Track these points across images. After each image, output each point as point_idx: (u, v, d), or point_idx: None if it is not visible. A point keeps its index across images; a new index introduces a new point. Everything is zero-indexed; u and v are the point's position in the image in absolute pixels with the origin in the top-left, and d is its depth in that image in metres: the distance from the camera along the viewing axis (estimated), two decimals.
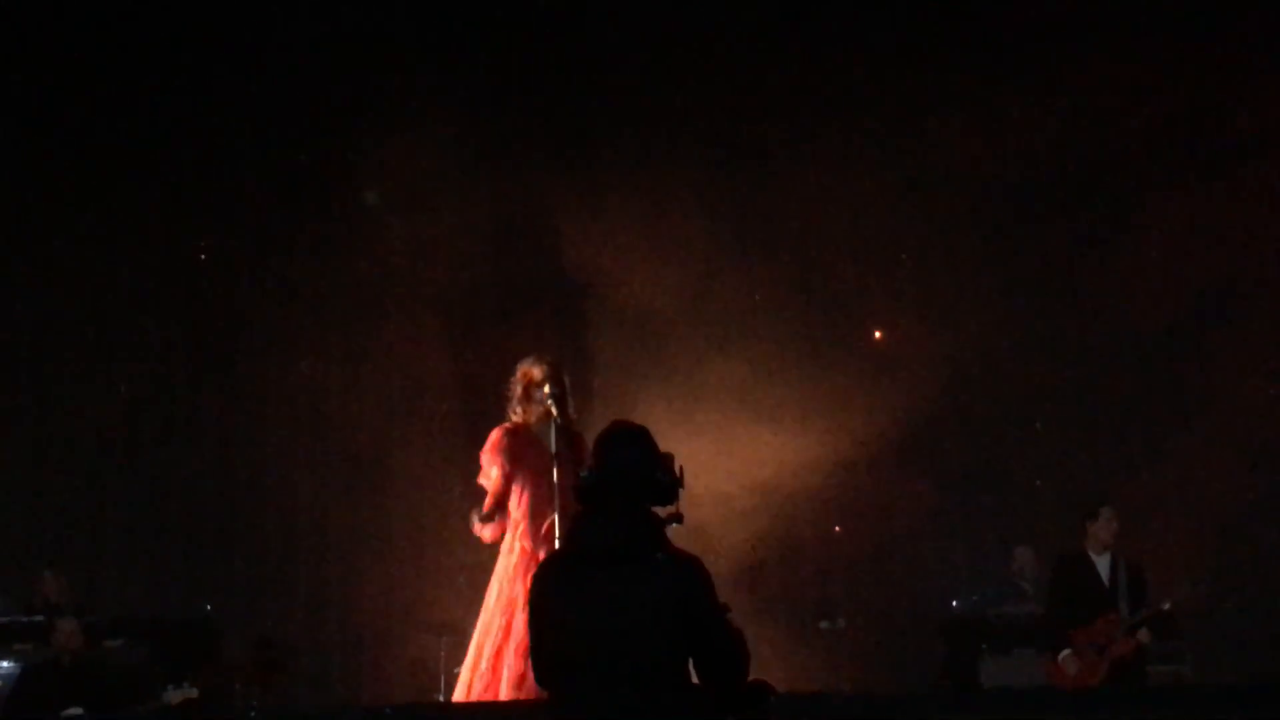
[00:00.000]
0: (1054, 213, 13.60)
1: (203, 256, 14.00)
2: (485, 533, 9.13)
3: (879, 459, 13.25)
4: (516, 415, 9.08)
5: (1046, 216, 13.61)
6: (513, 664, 8.77)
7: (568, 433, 8.88)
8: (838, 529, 13.51)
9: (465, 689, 8.96)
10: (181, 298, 13.87)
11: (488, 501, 9.08)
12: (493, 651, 8.85)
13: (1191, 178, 13.09)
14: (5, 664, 11.38)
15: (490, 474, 9.05)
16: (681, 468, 5.96)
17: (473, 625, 9.61)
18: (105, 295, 13.79)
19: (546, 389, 8.93)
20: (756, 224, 13.65)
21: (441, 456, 12.81)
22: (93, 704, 10.36)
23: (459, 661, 11.50)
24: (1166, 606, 10.49)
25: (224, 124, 13.63)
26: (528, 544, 8.91)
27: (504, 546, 9.06)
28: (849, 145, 13.33)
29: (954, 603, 12.62)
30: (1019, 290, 13.56)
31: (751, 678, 5.88)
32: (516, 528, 8.98)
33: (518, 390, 9.08)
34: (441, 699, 11.53)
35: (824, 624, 12.81)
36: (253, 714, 10.30)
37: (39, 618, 11.70)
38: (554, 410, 8.88)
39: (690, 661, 5.77)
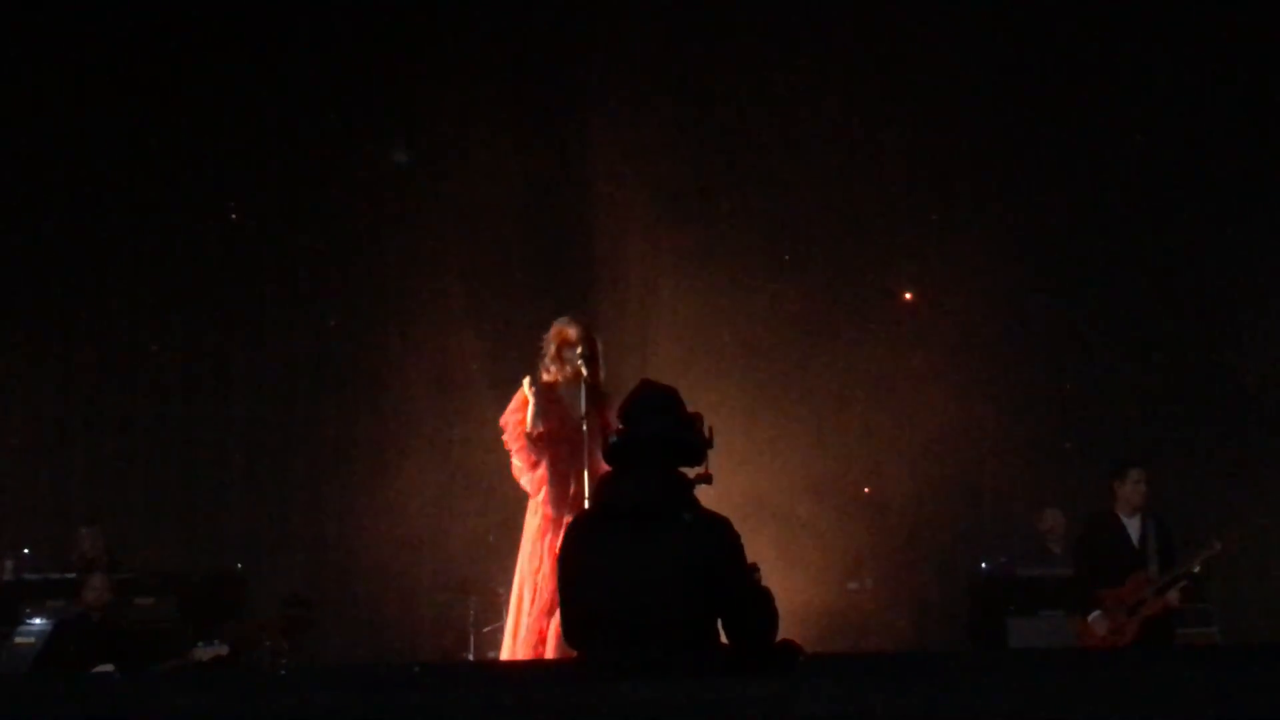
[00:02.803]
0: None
1: (233, 216, 14.00)
2: (527, 482, 9.08)
3: (908, 421, 13.23)
4: (548, 374, 9.05)
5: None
6: (533, 624, 8.78)
7: (598, 394, 8.85)
8: (866, 490, 13.49)
9: (505, 650, 8.98)
10: (211, 256, 13.87)
11: (515, 454, 9.04)
12: (519, 611, 8.87)
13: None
14: (38, 621, 11.43)
15: (513, 431, 9.02)
16: (711, 428, 5.96)
17: (501, 584, 9.62)
18: (133, 254, 13.80)
19: (579, 349, 8.89)
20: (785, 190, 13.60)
21: (469, 416, 12.82)
22: (123, 660, 10.41)
23: (487, 621, 11.57)
24: (1197, 568, 10.46)
25: (253, 87, 13.62)
26: (550, 509, 8.90)
27: (530, 507, 9.05)
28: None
29: (982, 564, 12.60)
30: (1048, 249, 13.49)
31: (779, 638, 5.89)
32: (540, 491, 8.96)
33: (550, 349, 9.04)
34: (470, 657, 11.56)
35: (852, 584, 12.81)
36: (282, 671, 10.34)
37: (72, 575, 11.74)
38: (585, 371, 8.85)
39: (719, 621, 5.79)
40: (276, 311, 13.97)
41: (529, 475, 8.99)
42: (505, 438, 9.06)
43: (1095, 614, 10.39)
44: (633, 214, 13.19)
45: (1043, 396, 13.69)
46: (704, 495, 5.92)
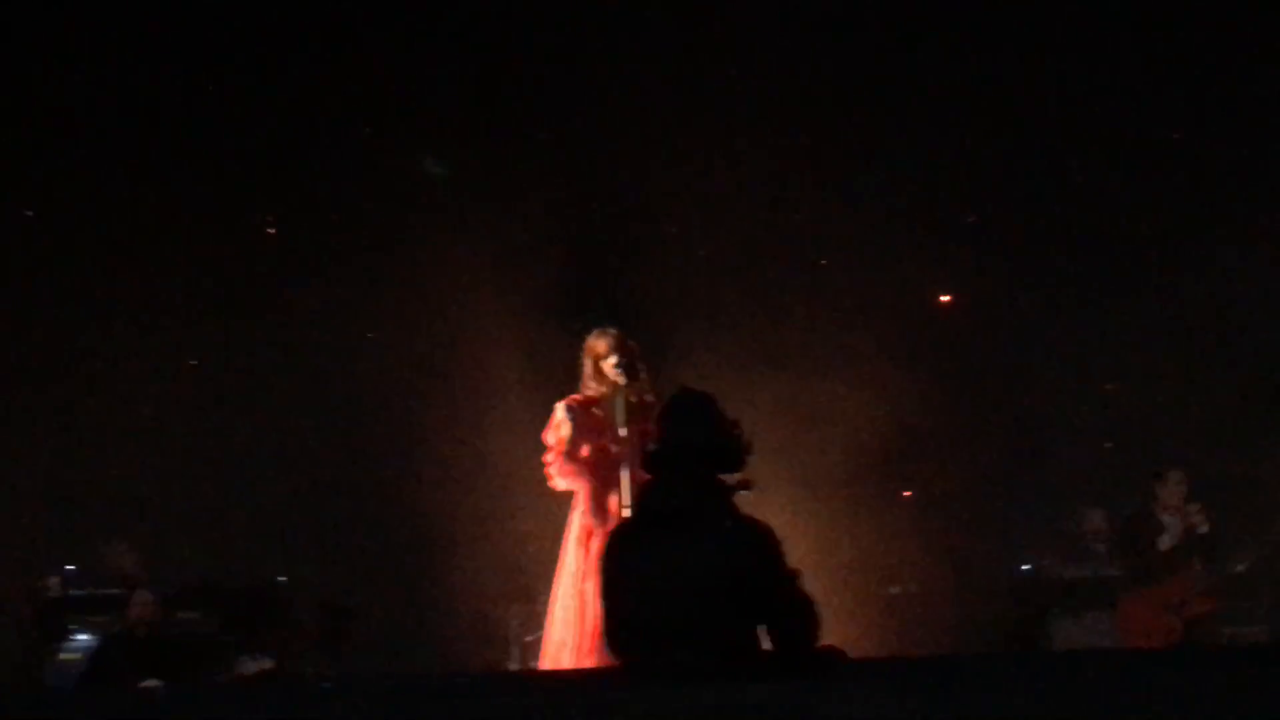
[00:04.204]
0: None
1: (270, 230, 14.05)
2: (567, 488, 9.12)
3: (945, 419, 13.20)
4: (588, 389, 9.07)
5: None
6: (574, 632, 8.81)
7: (637, 404, 8.87)
8: (906, 494, 13.47)
9: (547, 659, 9.01)
10: (240, 263, 13.91)
11: (554, 469, 9.08)
12: (561, 622, 8.89)
13: None
14: (82, 637, 11.48)
15: (553, 452, 9.07)
16: (749, 435, 5.96)
17: (542, 593, 9.62)
18: (163, 263, 13.83)
19: (613, 360, 8.92)
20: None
21: (508, 425, 12.83)
22: (168, 675, 10.45)
23: (530, 630, 11.58)
24: (1241, 568, 10.43)
25: (286, 95, 13.64)
26: (591, 519, 8.93)
27: (571, 517, 9.08)
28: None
29: (1024, 565, 12.57)
30: (1099, 245, 13.44)
31: (822, 644, 5.89)
32: (578, 504, 9.00)
33: (588, 367, 9.08)
34: (514, 667, 11.57)
35: (893, 589, 12.79)
36: (325, 684, 10.36)
37: (116, 590, 11.79)
38: (622, 380, 8.87)
39: (761, 627, 5.78)
40: (312, 322, 13.99)
41: (567, 489, 9.04)
42: (546, 457, 9.11)
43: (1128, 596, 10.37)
44: (668, 218, 13.20)
45: (1083, 394, 13.65)
46: (744, 502, 5.92)
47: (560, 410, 9.04)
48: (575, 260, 13.52)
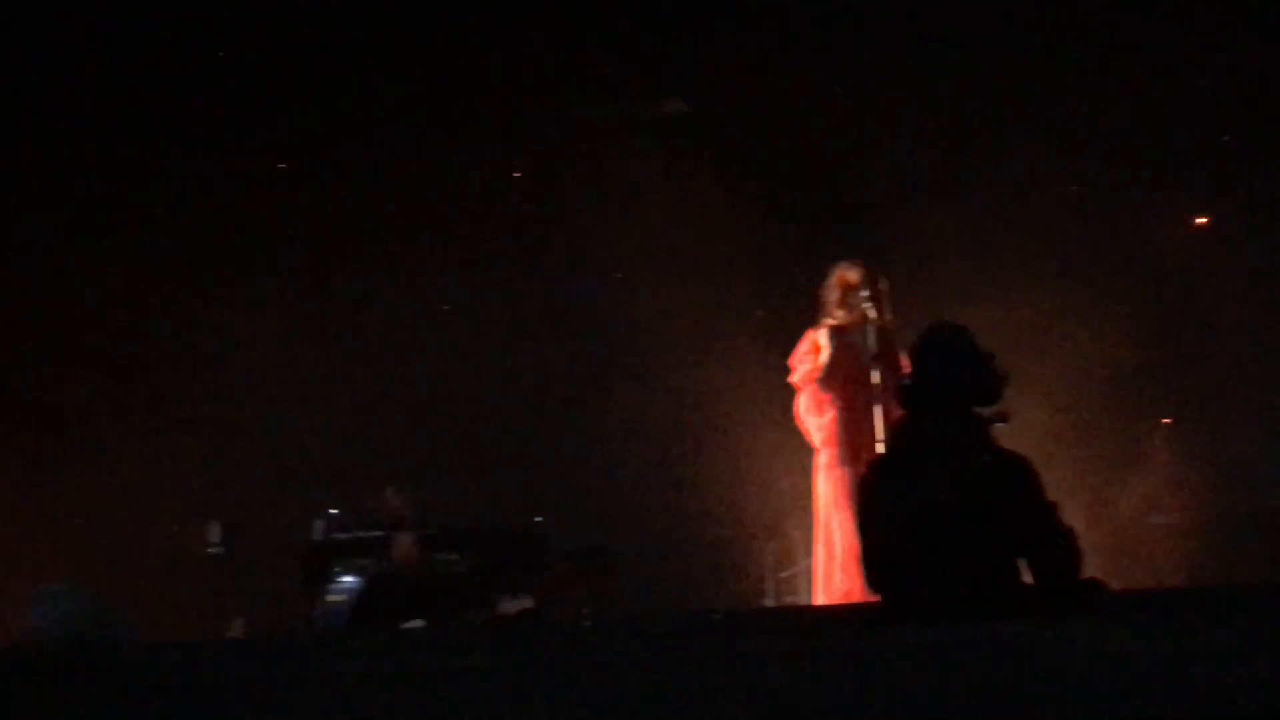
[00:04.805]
0: None
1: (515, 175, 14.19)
2: (815, 428, 9.09)
3: (1211, 351, 12.93)
4: (833, 319, 9.01)
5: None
6: (834, 569, 8.80)
7: (886, 337, 8.80)
8: (1166, 420, 13.20)
9: (814, 597, 9.03)
10: (500, 201, 14.08)
11: (803, 398, 9.04)
12: (824, 557, 8.89)
13: None
14: (349, 578, 11.76)
15: (803, 372, 9.01)
16: (1005, 368, 5.89)
17: (797, 527, 9.65)
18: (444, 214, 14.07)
19: (864, 292, 8.85)
20: None
21: (755, 363, 12.83)
22: (431, 615, 10.67)
23: (784, 565, 11.60)
24: None
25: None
26: (842, 455, 8.88)
27: (822, 453, 9.04)
28: None
29: None
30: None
31: (1083, 576, 5.81)
32: (829, 437, 8.95)
33: (834, 295, 9.01)
34: (769, 603, 11.60)
35: (1156, 518, 12.57)
36: (586, 622, 10.51)
37: (379, 533, 12.04)
38: (871, 313, 8.80)
39: (1021, 561, 5.72)
40: (565, 267, 14.10)
41: (816, 421, 8.99)
42: (794, 378, 9.06)
43: None
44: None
45: None
46: (1000, 434, 5.85)
47: (822, 336, 8.97)
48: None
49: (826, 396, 8.96)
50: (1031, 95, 13.25)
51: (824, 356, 8.91)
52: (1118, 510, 12.30)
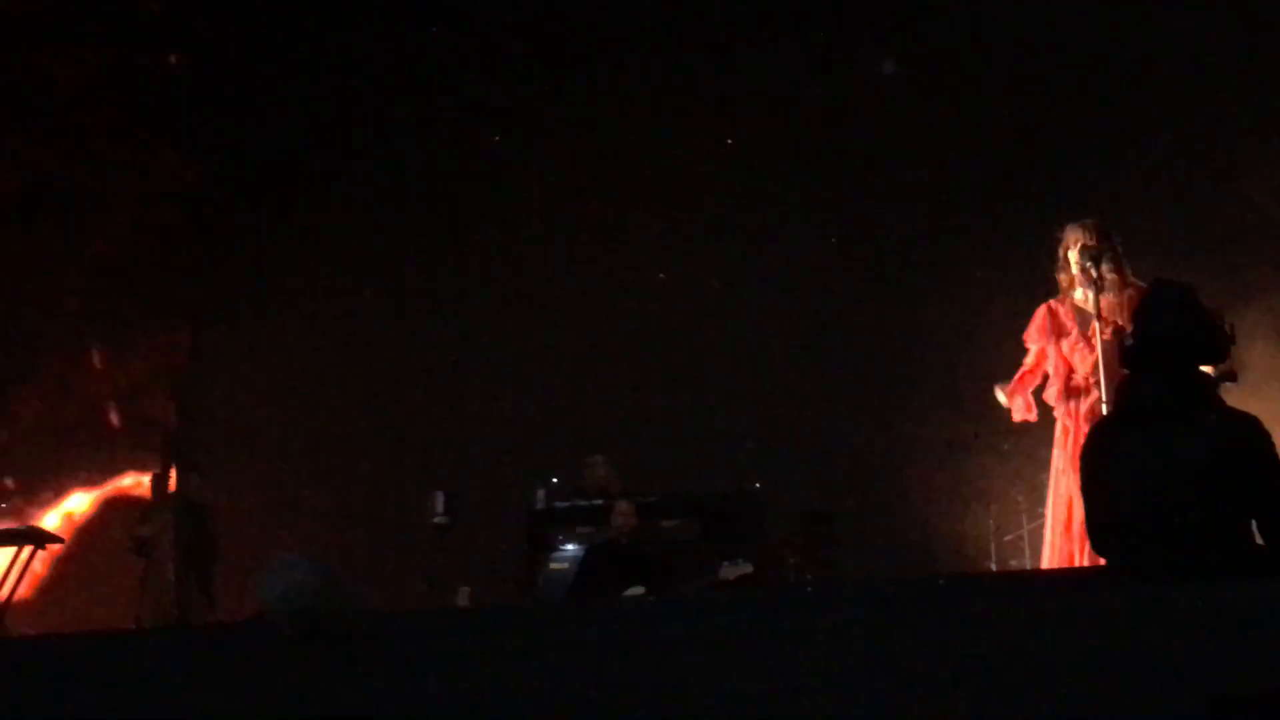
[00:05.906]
0: None
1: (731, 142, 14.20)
2: (1014, 409, 9.01)
3: None
4: (1064, 277, 8.86)
5: None
6: (1052, 531, 8.71)
7: (1115, 296, 8.64)
8: None
9: (1042, 558, 8.95)
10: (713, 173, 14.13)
11: (1015, 379, 8.94)
12: (1057, 521, 8.77)
13: None
14: (570, 547, 11.88)
15: (1031, 350, 8.93)
16: (1232, 325, 5.76)
17: (1020, 491, 9.53)
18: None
19: (1093, 250, 8.67)
20: None
21: (989, 333, 12.73)
22: (651, 582, 10.73)
23: (1008, 529, 11.49)
24: None
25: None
26: (1065, 419, 8.78)
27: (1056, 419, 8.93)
28: None
29: None
30: None
31: None
32: (1059, 402, 8.84)
33: (1065, 256, 8.86)
34: (993, 567, 11.50)
35: None
36: (808, 588, 10.50)
37: (596, 501, 12.15)
38: (1094, 272, 8.63)
39: (1251, 523, 5.59)
40: (776, 248, 14.11)
41: (1052, 388, 8.89)
42: (1026, 360, 8.95)
43: None
44: None
45: None
46: (1229, 393, 5.73)
47: (1042, 310, 8.87)
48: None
49: (1043, 372, 8.86)
50: None
51: (1043, 335, 8.81)
52: None
